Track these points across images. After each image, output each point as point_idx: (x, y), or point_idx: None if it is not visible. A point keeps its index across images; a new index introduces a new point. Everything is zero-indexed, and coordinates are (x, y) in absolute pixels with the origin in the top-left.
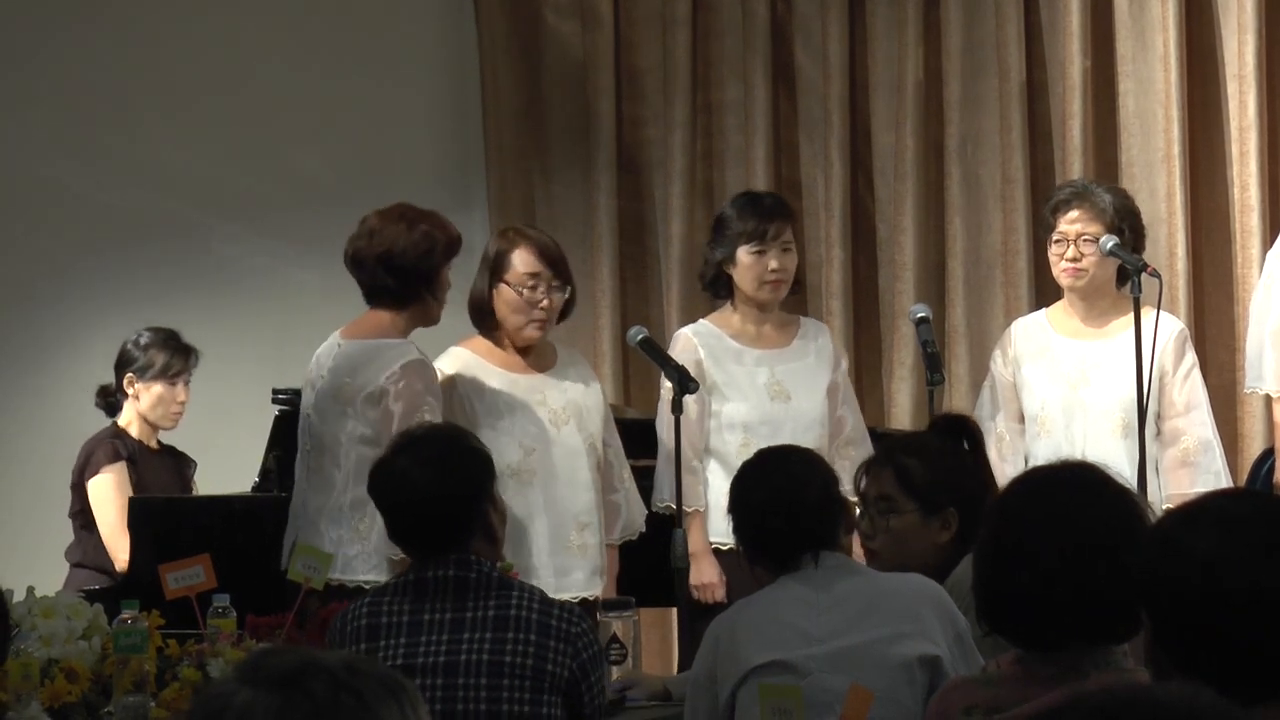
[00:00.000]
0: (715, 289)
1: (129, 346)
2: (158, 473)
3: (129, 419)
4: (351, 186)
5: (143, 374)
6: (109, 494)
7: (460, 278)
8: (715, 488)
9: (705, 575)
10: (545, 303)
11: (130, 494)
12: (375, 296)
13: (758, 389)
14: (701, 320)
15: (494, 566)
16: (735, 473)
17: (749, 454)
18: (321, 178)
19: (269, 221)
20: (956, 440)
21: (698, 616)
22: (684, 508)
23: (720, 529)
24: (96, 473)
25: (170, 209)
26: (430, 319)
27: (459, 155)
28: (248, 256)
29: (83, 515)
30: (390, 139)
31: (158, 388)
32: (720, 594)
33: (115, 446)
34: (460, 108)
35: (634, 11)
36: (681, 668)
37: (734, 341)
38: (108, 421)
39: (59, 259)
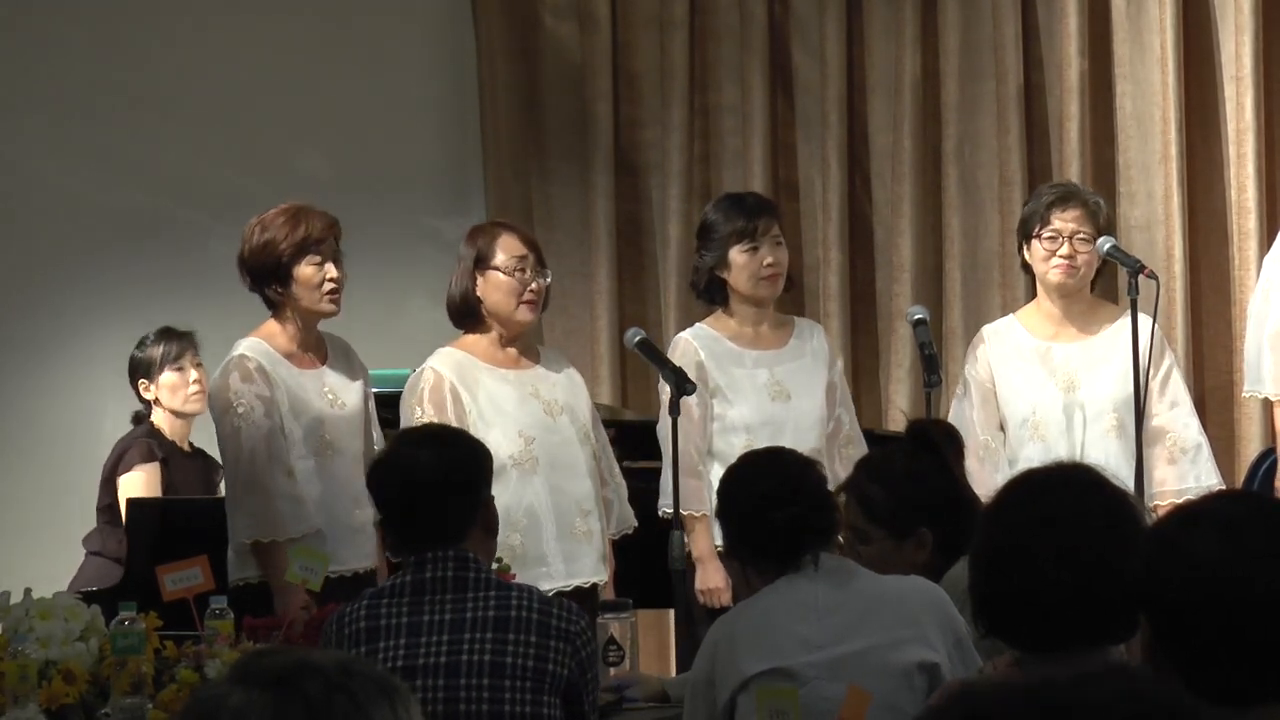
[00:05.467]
0: (710, 295)
1: (133, 357)
2: (188, 474)
3: (160, 421)
4: (350, 188)
5: (149, 373)
6: (139, 491)
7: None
8: None
9: (711, 580)
10: (534, 285)
11: (159, 493)
12: (263, 301)
13: (758, 390)
14: (698, 324)
15: (490, 569)
16: (721, 479)
17: None
18: (320, 179)
19: None
20: (927, 448)
21: (703, 621)
22: (689, 511)
23: None
24: (129, 469)
25: (170, 209)
26: (315, 313)
27: (457, 157)
28: None
29: (109, 510)
30: (389, 141)
31: (167, 376)
32: (726, 598)
33: (150, 446)
34: (458, 109)
35: (631, 14)
36: (680, 671)
37: (732, 344)
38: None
39: (59, 259)
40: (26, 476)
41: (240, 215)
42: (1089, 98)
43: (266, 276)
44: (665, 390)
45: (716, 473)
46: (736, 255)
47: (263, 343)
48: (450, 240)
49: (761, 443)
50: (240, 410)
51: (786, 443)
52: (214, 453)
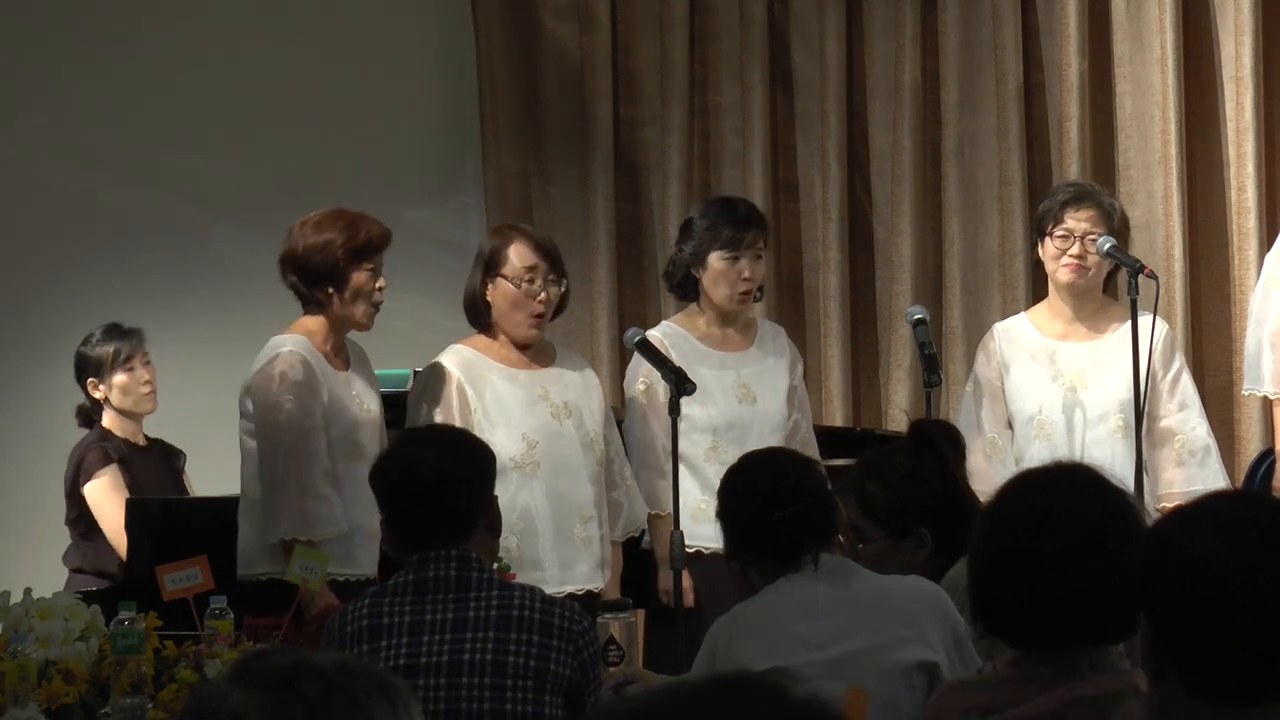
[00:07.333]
0: (682, 290)
1: (80, 353)
2: (149, 469)
3: (110, 422)
4: (350, 187)
5: (100, 373)
6: (108, 496)
7: (451, 277)
8: (684, 491)
9: (672, 580)
10: (543, 296)
11: (127, 494)
12: (299, 299)
13: (725, 392)
14: (666, 322)
15: (493, 569)
16: (723, 479)
17: (717, 457)
18: (320, 178)
19: (268, 221)
20: (927, 448)
21: (661, 620)
22: (655, 511)
23: (689, 531)
24: (90, 478)
25: (170, 209)
26: (353, 322)
27: (457, 157)
28: (247, 256)
29: (79, 522)
30: (389, 140)
31: (119, 378)
32: (689, 598)
33: (105, 450)
34: (458, 109)
35: (631, 13)
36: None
37: (701, 344)
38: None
39: (58, 259)
40: (26, 479)
41: (240, 215)
42: (1089, 98)
43: (320, 277)
44: (637, 387)
45: (682, 473)
46: (716, 260)
47: (307, 340)
48: (449, 240)
49: (727, 444)
50: (287, 406)
51: (751, 445)
52: (182, 450)
